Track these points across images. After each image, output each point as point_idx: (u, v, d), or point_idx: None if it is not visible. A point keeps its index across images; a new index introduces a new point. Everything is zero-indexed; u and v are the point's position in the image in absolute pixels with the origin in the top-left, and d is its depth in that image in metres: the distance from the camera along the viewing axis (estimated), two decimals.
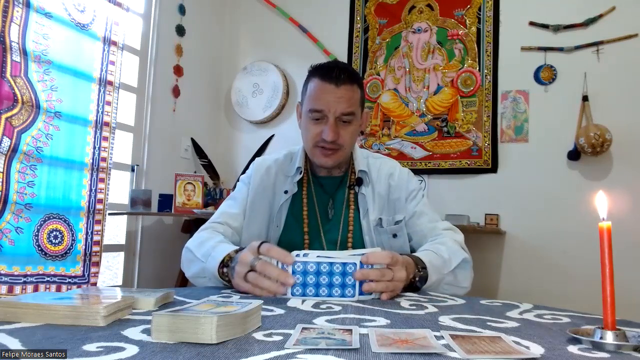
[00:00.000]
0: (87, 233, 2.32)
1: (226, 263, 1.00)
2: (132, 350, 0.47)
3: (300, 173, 1.28)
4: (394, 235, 1.26)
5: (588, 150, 2.53)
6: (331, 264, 0.86)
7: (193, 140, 3.24)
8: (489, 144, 2.85)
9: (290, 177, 1.29)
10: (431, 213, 1.30)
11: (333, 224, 1.26)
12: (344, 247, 1.23)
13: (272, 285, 0.85)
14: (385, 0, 3.18)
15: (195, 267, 1.11)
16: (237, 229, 1.27)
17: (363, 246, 1.24)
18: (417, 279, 1.01)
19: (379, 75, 3.13)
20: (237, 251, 1.01)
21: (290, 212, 1.27)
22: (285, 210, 1.27)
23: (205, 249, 1.09)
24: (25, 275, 2.07)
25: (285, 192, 1.27)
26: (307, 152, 1.28)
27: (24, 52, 2.07)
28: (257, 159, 1.39)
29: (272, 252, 0.88)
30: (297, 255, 0.86)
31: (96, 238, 2.36)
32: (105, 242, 2.45)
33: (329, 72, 1.18)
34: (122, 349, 0.47)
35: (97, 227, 2.37)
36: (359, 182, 1.27)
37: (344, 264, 0.86)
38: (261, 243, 0.91)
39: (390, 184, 1.29)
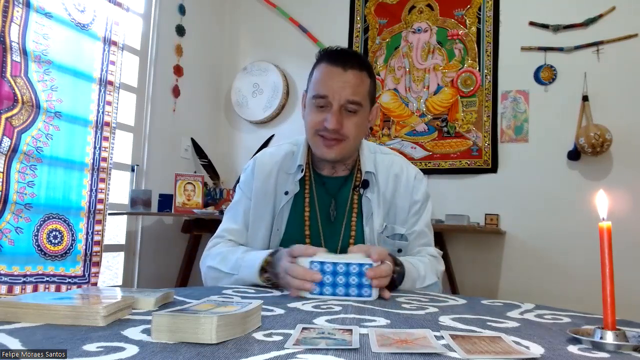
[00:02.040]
0: (87, 233, 2.32)
1: (266, 269, 1.03)
2: (132, 350, 0.47)
3: (302, 171, 1.21)
4: (399, 250, 1.22)
5: (588, 150, 2.53)
6: (348, 264, 0.88)
7: (193, 140, 3.24)
8: (489, 144, 2.85)
9: (291, 175, 1.22)
10: (428, 233, 1.26)
11: (335, 228, 1.20)
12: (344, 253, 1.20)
13: (300, 284, 0.89)
14: (385, 0, 3.18)
15: (224, 282, 1.12)
16: (243, 244, 1.26)
17: None
18: (395, 275, 1.00)
19: (379, 75, 3.13)
20: (272, 255, 1.04)
21: (292, 214, 1.21)
22: (286, 212, 1.21)
23: (231, 263, 1.11)
24: (24, 275, 2.07)
25: (286, 193, 1.21)
26: (308, 141, 1.21)
27: (24, 52, 2.07)
28: (257, 156, 1.32)
29: (294, 251, 0.93)
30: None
31: (96, 238, 2.36)
32: (105, 242, 2.45)
33: (337, 54, 1.14)
34: (122, 349, 0.47)
35: (97, 227, 2.36)
36: (365, 184, 1.20)
37: (360, 265, 0.88)
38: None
39: (396, 188, 1.23)
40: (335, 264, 0.88)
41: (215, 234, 1.27)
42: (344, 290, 0.88)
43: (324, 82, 1.13)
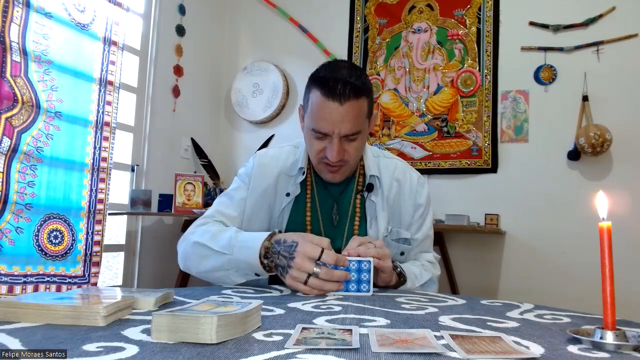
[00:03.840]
0: (87, 233, 2.32)
1: (266, 255, 0.98)
2: (132, 350, 0.47)
3: (303, 174, 1.21)
4: (402, 253, 1.23)
5: (588, 150, 2.53)
6: (348, 261, 0.94)
7: (193, 140, 3.24)
8: (489, 144, 2.85)
9: (292, 177, 1.22)
10: (430, 239, 1.29)
11: (337, 232, 1.19)
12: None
13: (334, 286, 0.92)
14: (385, 0, 3.18)
15: (212, 261, 1.05)
16: None
17: None
18: (398, 269, 1.08)
19: (379, 75, 3.13)
20: (270, 238, 0.99)
21: (293, 216, 1.20)
22: (287, 214, 1.20)
23: (224, 241, 1.04)
24: (25, 275, 2.07)
25: (288, 194, 1.20)
26: (312, 163, 1.21)
27: (24, 52, 2.07)
28: (258, 153, 1.29)
29: (329, 259, 0.92)
30: None
31: (97, 238, 2.36)
32: (105, 242, 2.45)
33: (332, 87, 1.06)
34: (122, 349, 0.47)
35: (97, 227, 2.36)
36: (370, 188, 1.20)
37: (359, 262, 0.95)
38: (322, 250, 0.92)
39: (400, 191, 1.24)
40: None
41: (205, 214, 1.22)
42: (345, 286, 0.94)
43: (321, 119, 1.08)
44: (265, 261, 0.98)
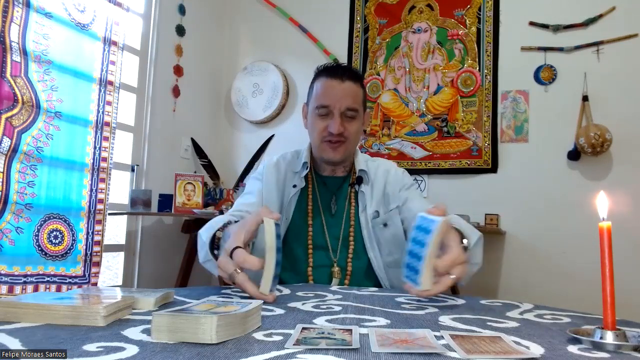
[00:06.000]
0: (87, 233, 2.32)
1: (218, 245, 0.99)
2: (132, 350, 0.47)
3: (307, 168, 1.35)
4: (385, 225, 1.32)
5: (588, 150, 2.53)
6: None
7: (193, 140, 3.24)
8: (489, 144, 2.85)
9: (297, 172, 1.36)
10: (425, 202, 1.35)
11: (336, 220, 1.34)
12: (346, 242, 1.31)
13: (253, 290, 0.81)
14: (385, 0, 3.18)
15: (202, 252, 1.07)
16: None
17: (362, 240, 1.30)
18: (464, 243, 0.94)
19: (379, 75, 3.13)
20: (222, 229, 0.99)
21: (297, 206, 1.35)
22: (293, 203, 1.34)
23: (210, 232, 1.03)
24: (25, 275, 2.07)
25: (294, 186, 1.34)
26: (314, 149, 1.36)
27: (24, 52, 2.07)
28: (266, 158, 1.47)
29: (246, 264, 0.82)
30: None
31: (97, 238, 2.36)
32: (105, 242, 2.45)
33: (333, 69, 1.30)
34: (122, 349, 0.47)
35: (97, 227, 2.36)
36: (359, 180, 1.36)
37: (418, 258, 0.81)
38: (235, 248, 0.84)
39: (387, 180, 1.38)
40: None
41: (228, 211, 1.26)
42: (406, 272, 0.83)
43: (325, 94, 1.28)
44: (215, 252, 0.98)
